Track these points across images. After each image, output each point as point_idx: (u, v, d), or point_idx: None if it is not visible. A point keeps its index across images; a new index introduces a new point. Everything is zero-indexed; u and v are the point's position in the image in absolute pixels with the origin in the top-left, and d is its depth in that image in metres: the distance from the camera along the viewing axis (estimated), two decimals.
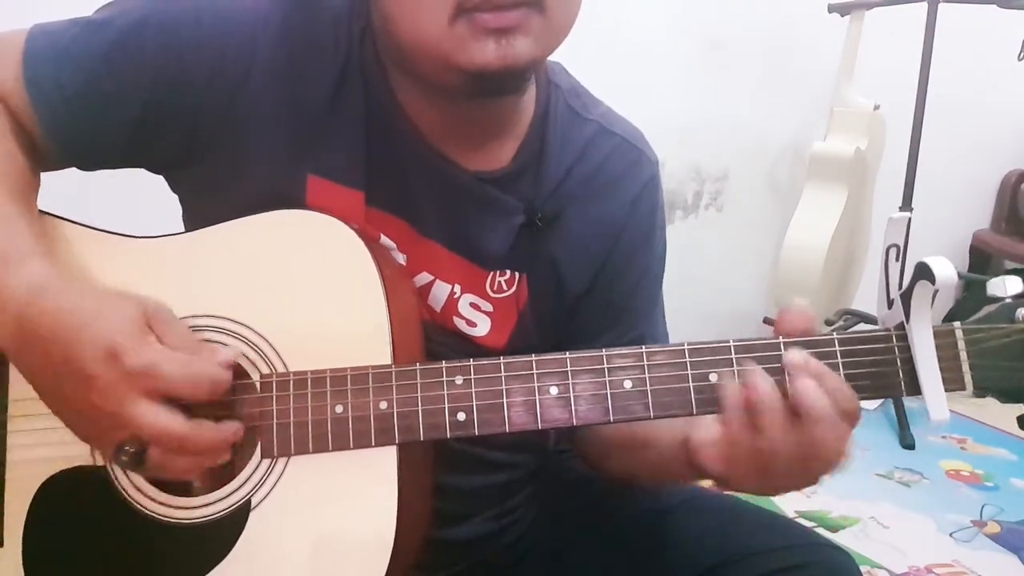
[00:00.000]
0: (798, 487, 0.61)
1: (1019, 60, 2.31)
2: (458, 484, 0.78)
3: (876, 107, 2.30)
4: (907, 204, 2.19)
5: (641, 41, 2.18)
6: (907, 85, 2.16)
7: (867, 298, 2.43)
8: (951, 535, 1.76)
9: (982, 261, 2.78)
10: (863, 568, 1.61)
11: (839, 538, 1.71)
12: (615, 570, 0.78)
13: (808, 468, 0.59)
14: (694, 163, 2.37)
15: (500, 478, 0.82)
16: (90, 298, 0.60)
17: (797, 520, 1.70)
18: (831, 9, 2.30)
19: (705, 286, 2.40)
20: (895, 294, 0.61)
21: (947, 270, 0.57)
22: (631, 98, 2.09)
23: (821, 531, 1.72)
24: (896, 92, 2.23)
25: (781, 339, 0.61)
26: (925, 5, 2.15)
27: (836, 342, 0.61)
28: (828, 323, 2.35)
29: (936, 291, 0.58)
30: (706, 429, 0.62)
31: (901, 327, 0.61)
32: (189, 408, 0.60)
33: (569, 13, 0.66)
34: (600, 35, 2.09)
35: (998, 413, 2.27)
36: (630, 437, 0.74)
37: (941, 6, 2.13)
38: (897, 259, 0.61)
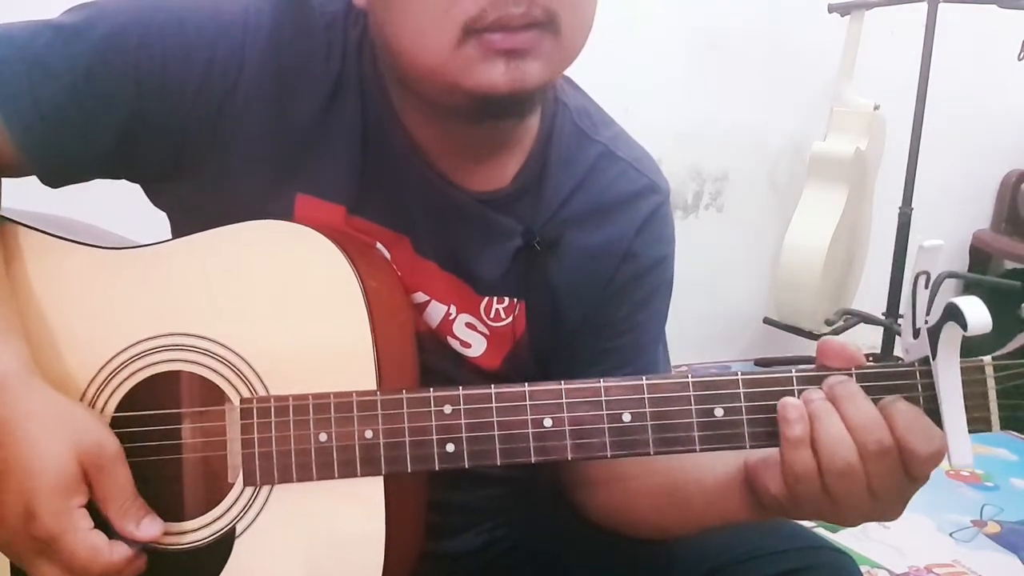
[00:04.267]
0: (872, 515, 0.57)
1: (1019, 60, 2.31)
2: (453, 499, 0.76)
3: (876, 107, 2.30)
4: (907, 204, 2.19)
5: (641, 41, 2.18)
6: (907, 85, 2.16)
7: (867, 298, 2.43)
8: (951, 535, 1.75)
9: (982, 261, 2.78)
10: (863, 568, 1.60)
11: (839, 538, 1.71)
12: (616, 574, 0.78)
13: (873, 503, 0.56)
14: (694, 163, 2.37)
15: (497, 491, 0.81)
16: (37, 422, 0.57)
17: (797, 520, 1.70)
18: (831, 9, 2.29)
19: (705, 286, 2.40)
20: (921, 323, 0.57)
21: (981, 317, 0.53)
22: (631, 98, 2.10)
23: (821, 531, 1.71)
24: (896, 92, 2.23)
25: (793, 372, 0.58)
26: (925, 5, 2.15)
27: (855, 377, 0.57)
28: (828, 323, 2.35)
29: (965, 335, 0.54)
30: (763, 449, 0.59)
31: (926, 361, 0.57)
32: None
33: (582, 35, 0.63)
34: (600, 35, 2.09)
35: None
36: (671, 483, 0.68)
37: (941, 6, 2.13)
38: (927, 287, 0.56)
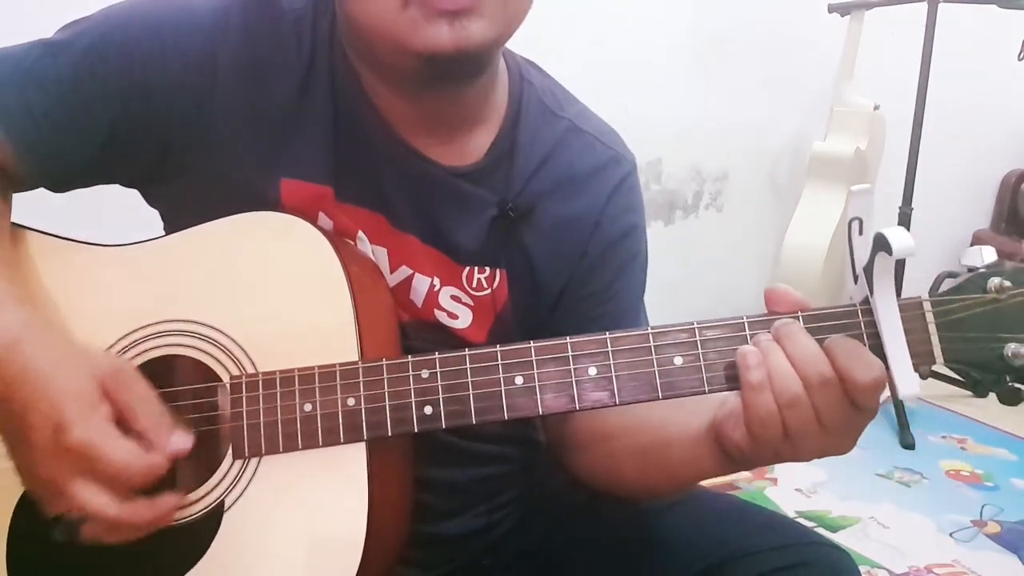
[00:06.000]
0: (826, 448, 0.59)
1: (1019, 60, 2.31)
2: (447, 478, 0.78)
3: (876, 107, 2.30)
4: (907, 204, 2.19)
5: (641, 41, 2.18)
6: (907, 85, 2.16)
7: None
8: (951, 535, 1.75)
9: None
10: (863, 568, 1.61)
11: (839, 538, 1.71)
12: (612, 570, 0.78)
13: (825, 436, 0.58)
14: (694, 163, 2.37)
15: (489, 471, 0.82)
16: (50, 359, 0.60)
17: (797, 520, 1.70)
18: (831, 9, 2.30)
19: (705, 286, 2.40)
20: (860, 269, 0.60)
21: (904, 240, 0.55)
22: (631, 98, 2.10)
23: (821, 531, 1.71)
24: (896, 92, 2.23)
25: (745, 318, 0.61)
26: (925, 5, 2.15)
27: (800, 319, 0.60)
28: None
29: (895, 261, 0.56)
30: (729, 404, 0.61)
31: (867, 302, 0.60)
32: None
33: None
34: (600, 35, 2.09)
35: (998, 413, 2.27)
36: (651, 441, 0.71)
37: (941, 6, 2.13)
38: (860, 233, 0.59)
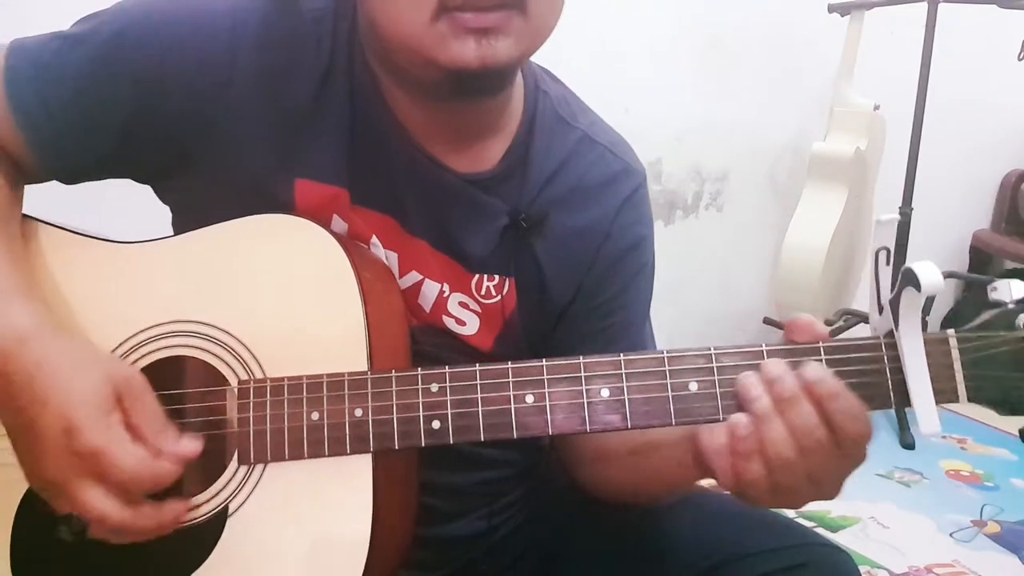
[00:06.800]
0: (813, 498, 0.60)
1: (1019, 60, 2.31)
2: (448, 481, 0.78)
3: (876, 107, 2.30)
4: (907, 204, 2.19)
5: (641, 41, 2.18)
6: (907, 85, 2.16)
7: (867, 298, 2.42)
8: (951, 535, 1.76)
9: (982, 261, 2.78)
10: (863, 568, 1.61)
11: (839, 538, 1.71)
12: (612, 571, 0.78)
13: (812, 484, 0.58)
14: (694, 163, 2.37)
15: (491, 475, 0.82)
16: (66, 359, 0.60)
17: (797, 520, 1.70)
18: (831, 9, 2.29)
19: (705, 286, 2.40)
20: (885, 300, 0.58)
21: (933, 277, 0.54)
22: (631, 98, 2.10)
23: (821, 531, 1.71)
24: (896, 92, 2.23)
25: (764, 346, 0.60)
26: (925, 5, 2.15)
27: (822, 351, 0.59)
28: (828, 323, 2.35)
29: (926, 298, 0.55)
30: (715, 434, 0.60)
31: (891, 335, 0.58)
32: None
33: (551, 14, 0.66)
34: (600, 35, 2.09)
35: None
36: (642, 443, 0.71)
37: (941, 6, 2.13)
38: (888, 263, 0.58)
